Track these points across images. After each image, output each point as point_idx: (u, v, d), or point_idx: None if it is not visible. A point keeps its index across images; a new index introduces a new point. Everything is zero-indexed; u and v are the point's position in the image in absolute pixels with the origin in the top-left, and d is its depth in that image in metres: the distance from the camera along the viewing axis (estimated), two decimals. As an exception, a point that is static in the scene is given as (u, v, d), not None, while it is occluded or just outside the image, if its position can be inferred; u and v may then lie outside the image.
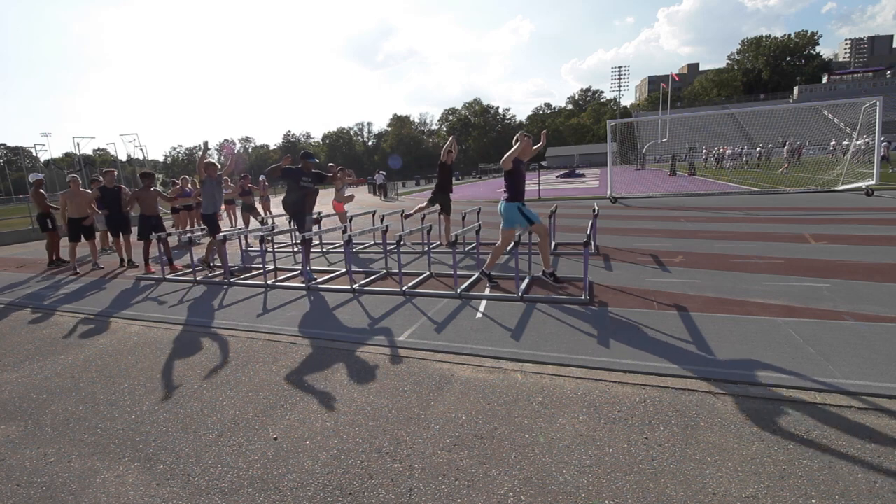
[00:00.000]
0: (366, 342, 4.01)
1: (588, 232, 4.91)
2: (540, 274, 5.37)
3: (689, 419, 2.56)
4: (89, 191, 8.85)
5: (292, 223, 7.23)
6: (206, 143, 6.54)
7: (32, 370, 3.91)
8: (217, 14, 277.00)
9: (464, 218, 8.35)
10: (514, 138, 5.15)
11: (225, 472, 2.35)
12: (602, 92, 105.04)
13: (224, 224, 10.81)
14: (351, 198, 9.98)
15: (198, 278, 6.77)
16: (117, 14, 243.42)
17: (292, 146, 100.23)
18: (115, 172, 8.33)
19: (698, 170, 29.26)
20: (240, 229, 9.29)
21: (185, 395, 3.25)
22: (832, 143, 29.76)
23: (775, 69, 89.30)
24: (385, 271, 6.45)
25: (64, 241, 8.89)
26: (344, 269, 6.49)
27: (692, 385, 2.91)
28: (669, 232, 8.59)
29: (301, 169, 6.51)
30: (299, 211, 6.62)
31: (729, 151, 31.13)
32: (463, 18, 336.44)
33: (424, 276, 6.07)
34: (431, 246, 7.98)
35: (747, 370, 3.05)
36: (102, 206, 8.49)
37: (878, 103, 13.88)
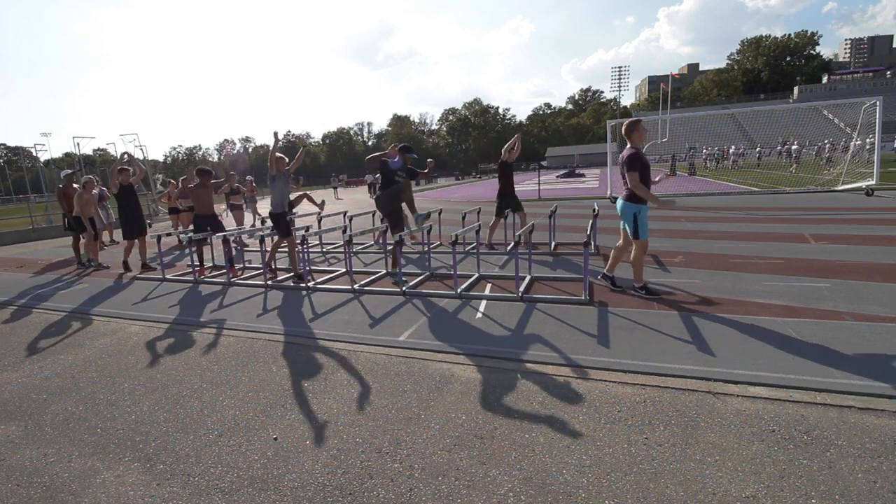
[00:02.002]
0: (366, 342, 4.01)
1: (588, 232, 4.91)
2: (631, 289, 4.89)
3: (689, 419, 2.56)
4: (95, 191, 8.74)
5: (383, 221, 6.51)
6: (276, 134, 6.02)
7: (32, 370, 3.91)
8: (217, 14, 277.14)
9: (464, 218, 8.35)
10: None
11: (225, 472, 2.35)
12: (602, 92, 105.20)
13: (229, 224, 10.67)
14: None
15: (269, 283, 6.20)
16: (117, 14, 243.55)
17: (292, 146, 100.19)
18: (131, 171, 7.76)
19: (698, 170, 29.28)
20: (239, 228, 9.27)
21: (185, 395, 3.25)
22: (828, 142, 29.76)
23: (775, 69, 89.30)
24: (386, 272, 6.45)
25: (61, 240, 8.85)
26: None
27: (692, 385, 2.91)
28: (669, 232, 8.59)
29: (399, 162, 6.02)
30: (397, 210, 6.09)
31: (731, 151, 31.17)
32: (463, 18, 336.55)
33: (424, 276, 6.07)
34: (432, 246, 7.98)
35: (747, 370, 3.05)
36: (124, 205, 7.82)
37: (878, 103, 13.89)
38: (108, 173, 7.46)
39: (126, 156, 7.78)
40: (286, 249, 6.59)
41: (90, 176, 8.48)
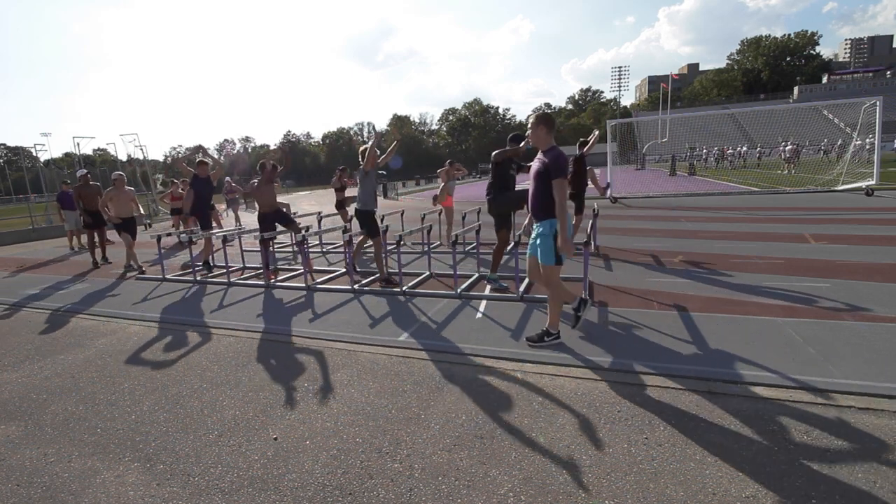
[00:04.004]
0: (366, 342, 4.01)
1: (588, 232, 4.91)
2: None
3: (688, 419, 2.56)
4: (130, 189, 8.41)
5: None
6: (376, 131, 5.75)
7: (32, 370, 3.91)
8: (217, 14, 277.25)
9: (464, 218, 8.35)
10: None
11: (225, 472, 2.35)
12: (602, 92, 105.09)
13: (227, 223, 10.62)
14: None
15: (356, 287, 5.68)
16: (117, 14, 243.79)
17: (292, 146, 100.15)
18: (209, 163, 7.40)
19: (698, 170, 29.29)
20: (239, 228, 9.27)
21: (185, 395, 3.25)
22: (825, 142, 29.74)
23: (775, 69, 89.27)
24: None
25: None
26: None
27: (692, 385, 2.91)
28: (669, 232, 8.58)
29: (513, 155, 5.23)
30: (511, 211, 5.42)
31: (729, 151, 31.16)
32: (463, 18, 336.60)
33: (424, 276, 6.07)
34: (432, 246, 7.98)
35: (747, 370, 3.05)
36: (197, 201, 7.49)
37: (878, 103, 13.89)
38: (177, 163, 7.22)
39: (202, 150, 7.61)
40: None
41: (121, 172, 8.34)
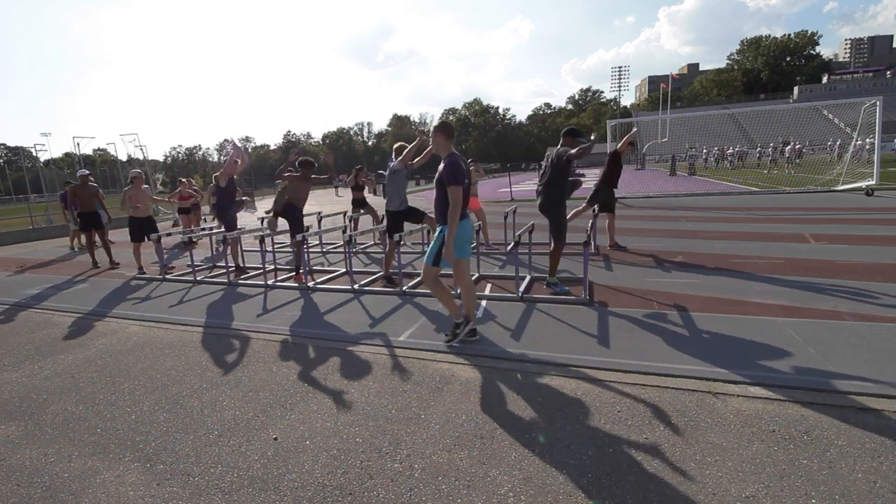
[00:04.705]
0: (366, 342, 4.01)
1: (588, 232, 4.90)
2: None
3: (689, 419, 2.56)
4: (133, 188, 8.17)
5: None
6: (425, 127, 5.52)
7: (32, 370, 3.91)
8: (217, 14, 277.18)
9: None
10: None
11: (225, 472, 2.35)
12: (602, 92, 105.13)
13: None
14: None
15: (404, 290, 5.43)
16: (117, 14, 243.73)
17: (292, 146, 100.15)
18: (239, 162, 7.00)
19: (698, 170, 29.28)
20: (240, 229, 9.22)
21: (185, 394, 3.25)
22: (830, 143, 29.75)
23: (775, 69, 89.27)
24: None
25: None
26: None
27: (692, 385, 2.91)
28: (669, 232, 8.58)
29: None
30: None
31: (729, 151, 31.15)
32: (463, 18, 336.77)
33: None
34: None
35: (747, 370, 3.05)
36: (221, 201, 7.18)
37: (878, 103, 13.89)
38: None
39: (233, 147, 7.34)
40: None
41: (138, 170, 8.17)
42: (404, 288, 5.40)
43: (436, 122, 3.73)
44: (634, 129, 7.73)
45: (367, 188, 10.66)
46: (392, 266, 5.89)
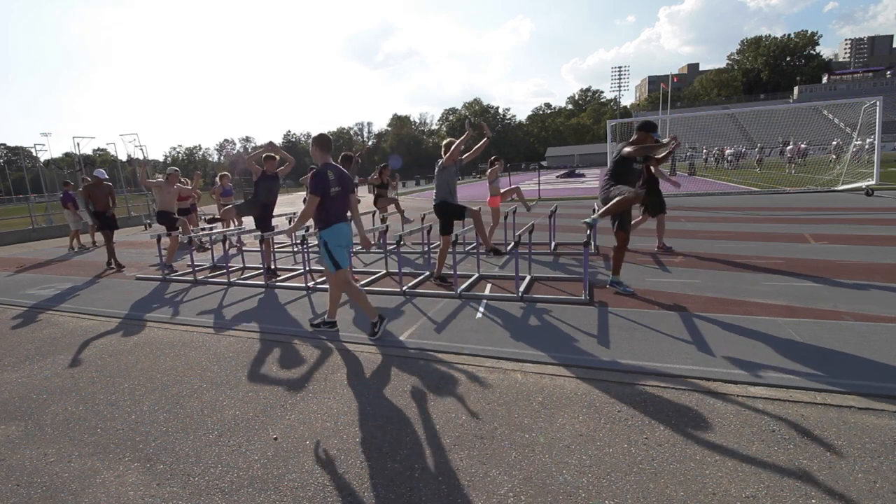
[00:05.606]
0: (366, 342, 4.01)
1: (588, 232, 4.90)
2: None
3: (689, 419, 2.56)
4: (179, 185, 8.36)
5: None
6: (469, 120, 5.35)
7: (32, 370, 3.91)
8: (217, 14, 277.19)
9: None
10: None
11: (225, 472, 2.35)
12: (602, 92, 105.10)
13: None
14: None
15: (455, 293, 5.19)
16: (117, 14, 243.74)
17: (292, 146, 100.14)
18: (277, 159, 6.84)
19: (698, 170, 29.27)
20: (238, 228, 9.24)
21: (185, 395, 3.25)
22: (834, 144, 29.72)
23: (775, 69, 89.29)
24: (385, 272, 6.44)
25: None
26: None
27: (692, 385, 2.91)
28: (669, 232, 8.57)
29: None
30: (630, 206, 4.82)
31: (729, 151, 31.14)
32: (463, 18, 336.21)
33: (424, 275, 6.07)
34: (432, 246, 7.97)
35: (747, 370, 3.05)
36: (256, 197, 7.00)
37: (878, 103, 13.88)
38: (247, 163, 6.56)
39: (270, 144, 7.19)
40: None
41: (175, 168, 8.23)
42: (404, 288, 5.41)
43: (315, 136, 4.06)
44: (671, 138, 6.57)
45: (389, 188, 10.48)
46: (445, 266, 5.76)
